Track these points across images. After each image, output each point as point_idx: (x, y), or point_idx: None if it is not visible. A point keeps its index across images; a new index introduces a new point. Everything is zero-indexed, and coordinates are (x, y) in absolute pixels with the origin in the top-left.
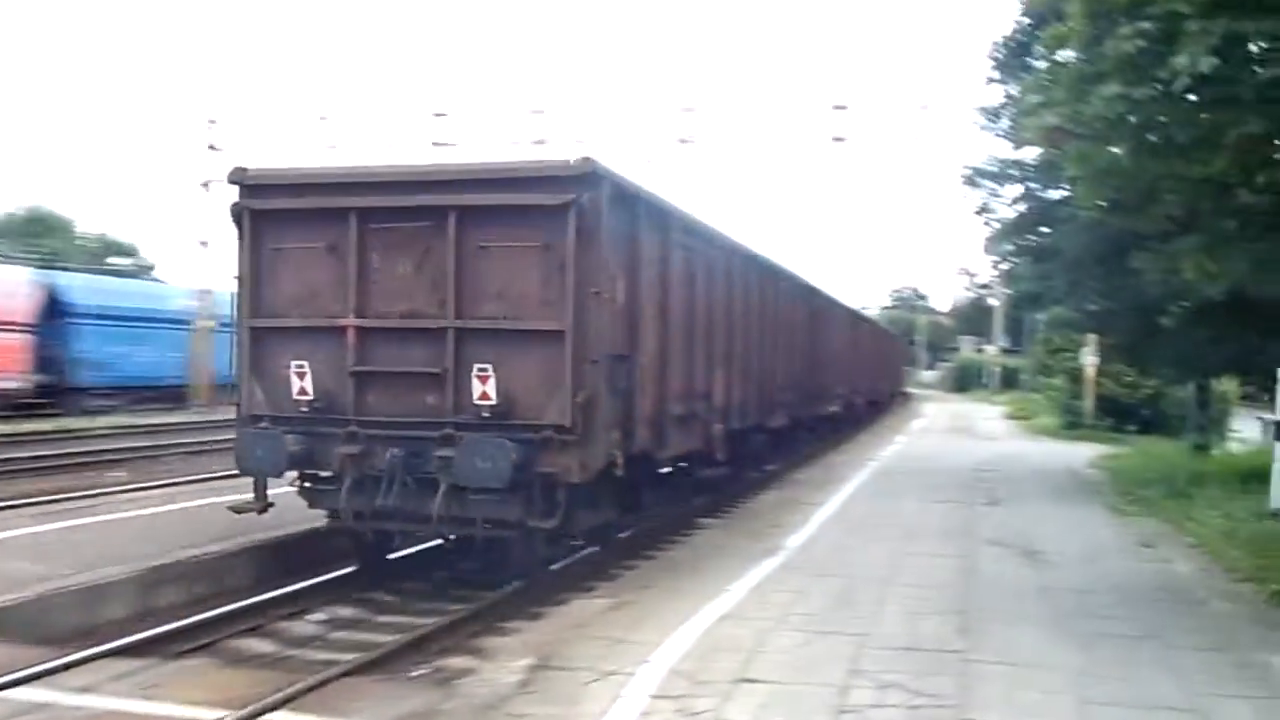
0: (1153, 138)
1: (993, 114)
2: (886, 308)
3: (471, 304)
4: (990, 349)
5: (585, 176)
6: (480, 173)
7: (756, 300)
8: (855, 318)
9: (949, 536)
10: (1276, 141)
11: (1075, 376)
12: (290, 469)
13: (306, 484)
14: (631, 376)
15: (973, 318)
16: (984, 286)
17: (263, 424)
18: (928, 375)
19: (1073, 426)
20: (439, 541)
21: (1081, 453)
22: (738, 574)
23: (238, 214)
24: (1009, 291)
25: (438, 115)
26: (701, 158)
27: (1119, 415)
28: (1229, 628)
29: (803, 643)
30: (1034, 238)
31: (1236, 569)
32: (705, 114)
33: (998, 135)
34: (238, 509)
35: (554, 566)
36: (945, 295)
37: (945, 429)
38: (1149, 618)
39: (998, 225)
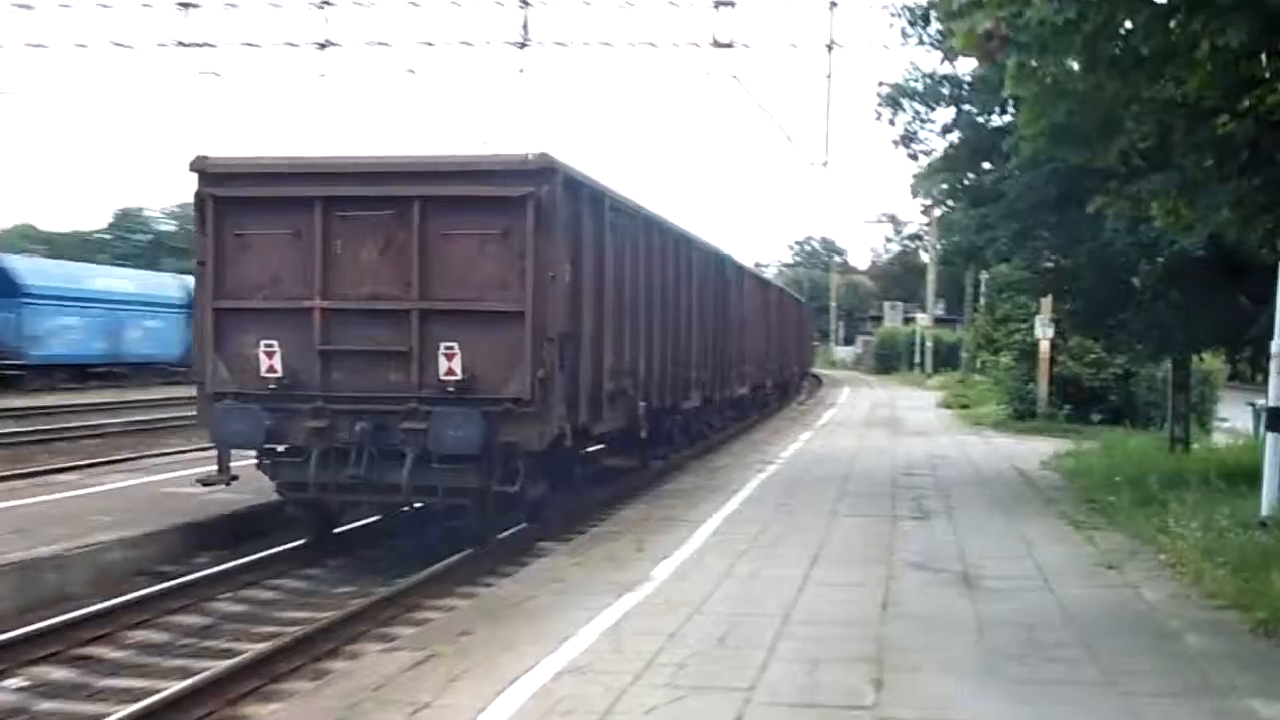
0: (1112, 49)
1: (919, 14)
2: (788, 265)
3: (435, 287)
4: (922, 318)
5: (542, 171)
6: (443, 165)
7: (671, 274)
8: (762, 284)
9: (864, 559)
10: (1261, 56)
11: (1027, 353)
12: (265, 443)
13: (269, 459)
14: (576, 354)
15: (900, 278)
16: (913, 238)
17: (227, 401)
18: (842, 352)
19: (1023, 416)
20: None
21: (1034, 449)
22: (589, 613)
23: (200, 201)
24: (942, 244)
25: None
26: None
27: (1081, 402)
28: (1205, 668)
29: (671, 700)
30: (972, 175)
31: (1217, 594)
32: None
33: (924, 44)
34: (206, 481)
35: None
36: (864, 249)
37: (863, 421)
38: (1110, 659)
39: (926, 159)
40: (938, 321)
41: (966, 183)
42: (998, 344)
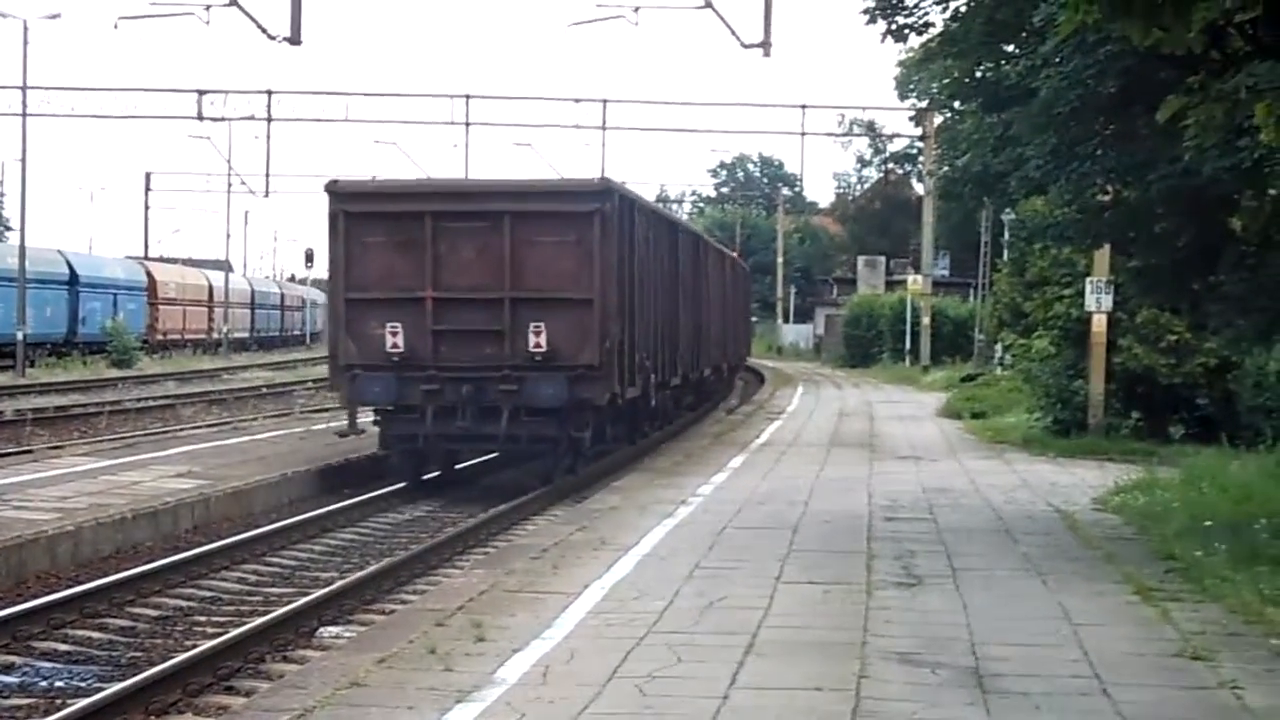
0: None
1: None
2: (708, 200)
3: (523, 280)
4: (915, 281)
5: (604, 191)
6: (527, 187)
7: (668, 262)
8: (697, 242)
9: (823, 650)
10: None
11: (1073, 334)
12: (392, 402)
13: (387, 416)
14: (621, 333)
15: (881, 221)
16: (900, 160)
17: (357, 370)
18: (794, 333)
19: (1068, 430)
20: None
21: (1083, 481)
22: None
23: (333, 215)
24: (944, 170)
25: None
26: None
27: (1154, 408)
28: None
29: None
30: (989, 64)
31: None
32: None
33: None
34: (342, 433)
35: None
36: (825, 177)
37: (824, 439)
38: None
39: (919, 39)
40: (939, 286)
41: (980, 74)
42: (1030, 320)
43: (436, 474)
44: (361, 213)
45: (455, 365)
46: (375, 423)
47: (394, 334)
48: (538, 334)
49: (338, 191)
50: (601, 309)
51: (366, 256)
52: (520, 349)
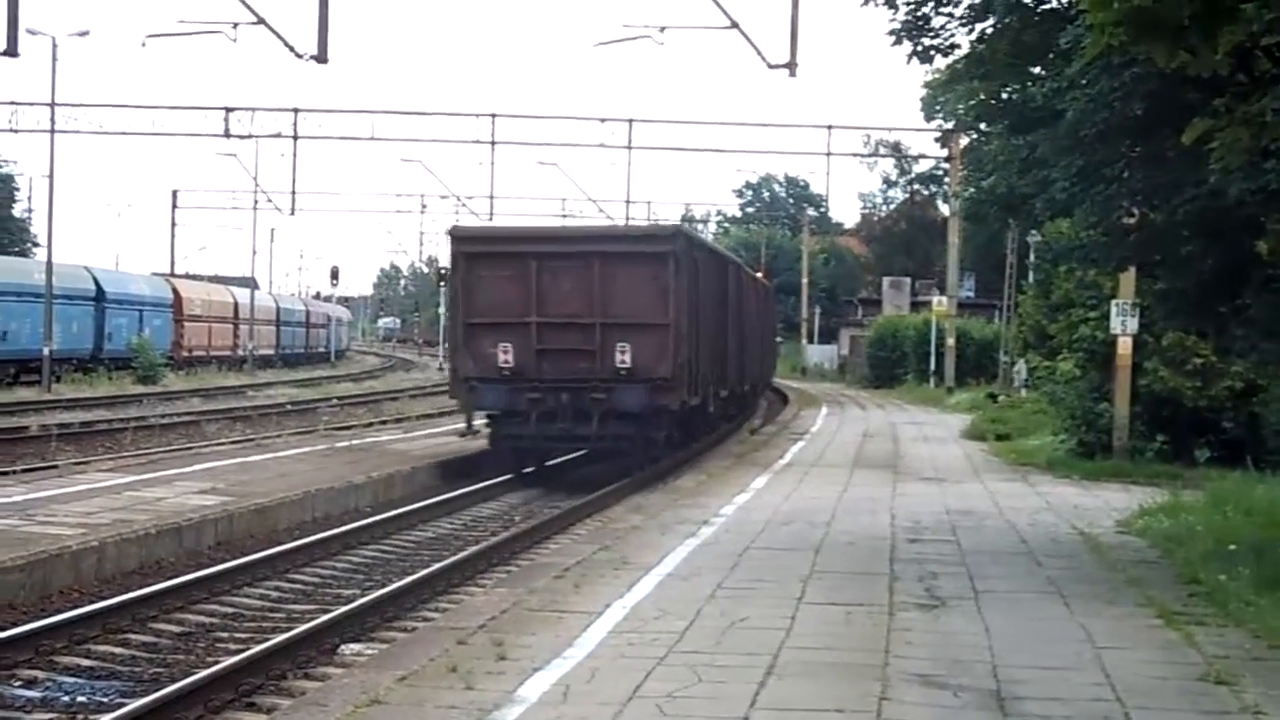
0: None
1: None
2: (733, 220)
3: (610, 309)
4: (940, 302)
5: (675, 234)
6: (612, 231)
7: (717, 288)
8: (739, 271)
9: (844, 672)
10: None
11: (1098, 357)
12: (503, 409)
13: (498, 420)
14: (690, 351)
15: (906, 242)
16: (925, 181)
17: (473, 382)
18: (819, 353)
19: (1092, 453)
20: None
21: (1108, 503)
22: None
23: (454, 256)
24: (970, 191)
25: None
26: None
27: (1179, 431)
28: None
29: None
30: (1014, 85)
31: None
32: None
33: None
34: (463, 434)
35: None
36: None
37: (847, 459)
38: None
39: (945, 61)
40: (964, 308)
41: (1006, 96)
42: (1055, 342)
43: (531, 469)
44: (478, 253)
45: (555, 377)
46: (487, 424)
47: (505, 352)
48: (623, 352)
49: (459, 235)
50: (675, 332)
51: (482, 289)
52: (608, 364)
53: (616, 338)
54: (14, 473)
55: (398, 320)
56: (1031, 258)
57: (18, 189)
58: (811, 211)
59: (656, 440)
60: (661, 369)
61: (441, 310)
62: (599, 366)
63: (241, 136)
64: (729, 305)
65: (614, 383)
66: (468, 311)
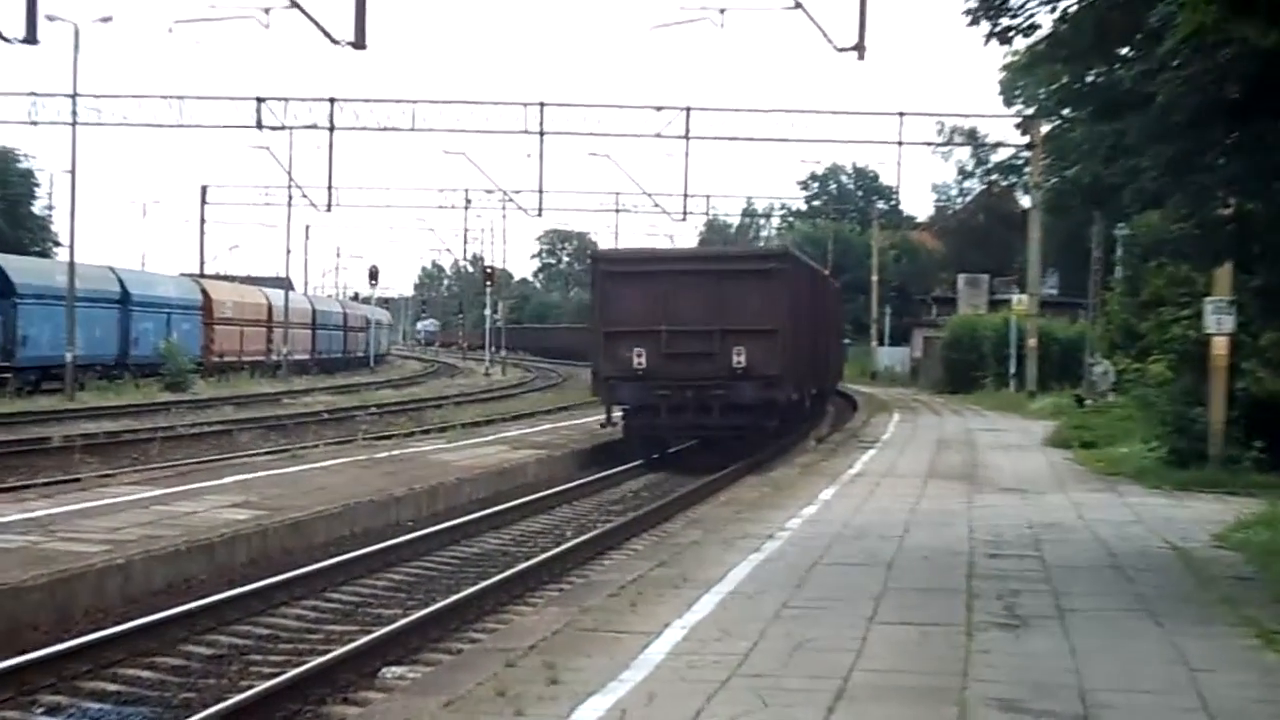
0: None
1: None
2: (798, 214)
3: (729, 318)
4: (1021, 301)
5: (783, 254)
6: (731, 252)
7: (808, 297)
8: (826, 281)
9: (919, 696)
10: None
11: (1191, 358)
12: (637, 403)
13: (633, 413)
14: (793, 353)
15: (983, 237)
16: (1005, 171)
17: (612, 381)
18: (889, 356)
19: (1186, 461)
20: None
21: (1202, 516)
22: None
23: (595, 274)
24: (1052, 182)
25: None
26: None
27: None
28: None
29: None
30: (1100, 68)
31: None
32: None
33: None
34: (603, 425)
35: None
36: (923, 189)
37: (921, 470)
38: None
39: (1025, 41)
40: (1047, 307)
41: (1091, 79)
42: (1144, 343)
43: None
44: (616, 272)
45: (681, 376)
46: (623, 416)
47: (639, 355)
48: (739, 354)
49: (600, 258)
50: (782, 337)
51: (619, 302)
52: (726, 365)
53: (733, 342)
54: (35, 486)
55: (436, 322)
56: (1119, 252)
57: (38, 185)
58: (881, 204)
59: (767, 429)
60: (772, 368)
61: (487, 312)
62: (718, 367)
63: (275, 128)
64: (815, 313)
65: (731, 380)
66: (606, 321)
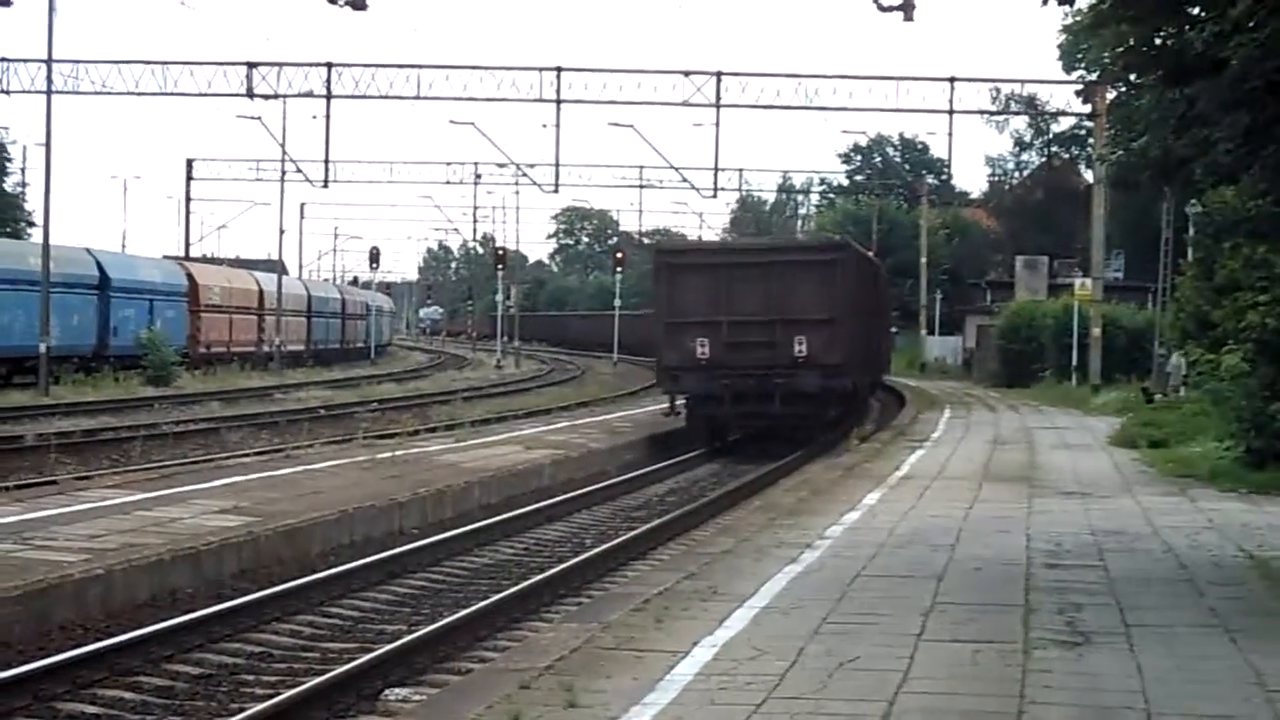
0: None
1: None
2: (839, 190)
3: (788, 308)
4: (1083, 285)
5: (841, 245)
6: (790, 244)
7: (867, 288)
8: (877, 270)
9: (976, 719)
10: None
11: (1270, 348)
12: (701, 392)
13: (696, 402)
14: (852, 342)
15: (1042, 215)
16: (1065, 143)
17: (675, 371)
18: (940, 347)
19: (1263, 462)
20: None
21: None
22: None
23: (658, 266)
24: (1118, 154)
25: None
26: None
27: None
28: None
29: None
30: (1169, 30)
31: None
32: None
33: None
34: (666, 414)
35: None
36: (976, 163)
37: (974, 471)
38: None
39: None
40: (1111, 292)
41: (1160, 42)
42: (1218, 332)
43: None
44: (678, 264)
45: (744, 365)
46: (686, 405)
47: (702, 346)
48: (799, 344)
49: (662, 250)
50: (842, 326)
51: (682, 294)
52: (787, 354)
53: (794, 332)
54: (7, 489)
55: (441, 309)
56: (1190, 232)
57: (9, 160)
58: (931, 179)
59: (827, 416)
60: (832, 357)
61: (499, 298)
62: (779, 356)
63: (267, 96)
64: (870, 301)
65: (793, 369)
66: (670, 313)
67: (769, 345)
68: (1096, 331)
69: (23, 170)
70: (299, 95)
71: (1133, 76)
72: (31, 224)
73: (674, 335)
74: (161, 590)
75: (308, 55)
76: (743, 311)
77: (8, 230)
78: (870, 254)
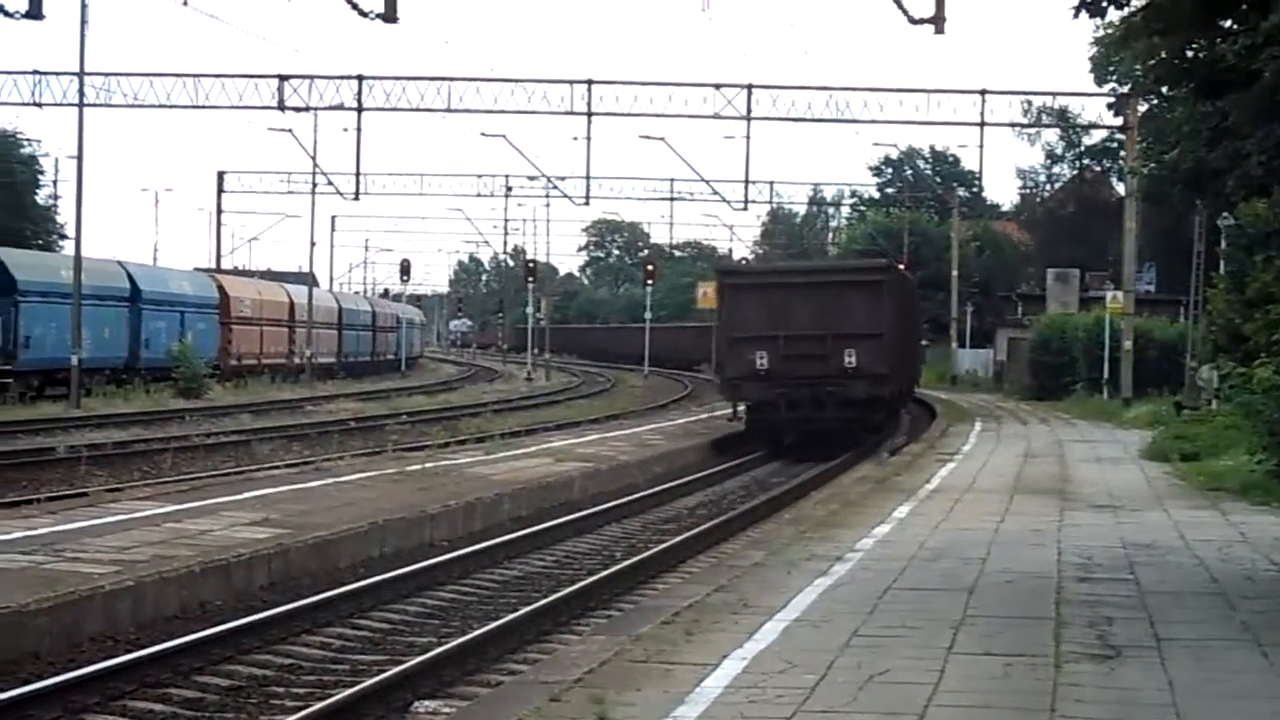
0: None
1: None
2: (870, 203)
3: (839, 324)
4: (1115, 298)
5: (886, 267)
6: (841, 265)
7: (902, 305)
8: (913, 287)
9: None
10: None
11: None
12: (760, 400)
13: (755, 408)
14: (894, 354)
15: (1074, 228)
16: (1097, 155)
17: (736, 380)
18: (971, 359)
19: None
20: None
21: None
22: None
23: (721, 286)
24: (1150, 167)
25: None
26: None
27: None
28: None
29: None
30: (1201, 42)
31: None
32: None
33: None
34: (729, 419)
35: None
36: (1008, 175)
37: (1005, 484)
38: None
39: (1118, 13)
40: (1143, 304)
41: (1192, 54)
42: (1251, 345)
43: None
44: (739, 284)
45: (799, 376)
46: (747, 410)
47: (761, 358)
48: (849, 356)
49: (725, 271)
50: (887, 340)
51: (743, 311)
52: (838, 365)
53: (844, 345)
54: (39, 501)
55: (469, 321)
56: (1223, 244)
57: (42, 172)
58: (962, 191)
59: (875, 420)
60: (879, 368)
61: (529, 310)
62: (831, 367)
63: (298, 109)
64: (907, 316)
65: (843, 379)
66: (731, 328)
67: (822, 357)
68: (1128, 344)
69: (55, 183)
70: (330, 108)
71: (1165, 89)
72: (63, 236)
73: (736, 349)
74: (191, 602)
75: (339, 68)
76: (798, 327)
77: (40, 243)
78: (902, 268)
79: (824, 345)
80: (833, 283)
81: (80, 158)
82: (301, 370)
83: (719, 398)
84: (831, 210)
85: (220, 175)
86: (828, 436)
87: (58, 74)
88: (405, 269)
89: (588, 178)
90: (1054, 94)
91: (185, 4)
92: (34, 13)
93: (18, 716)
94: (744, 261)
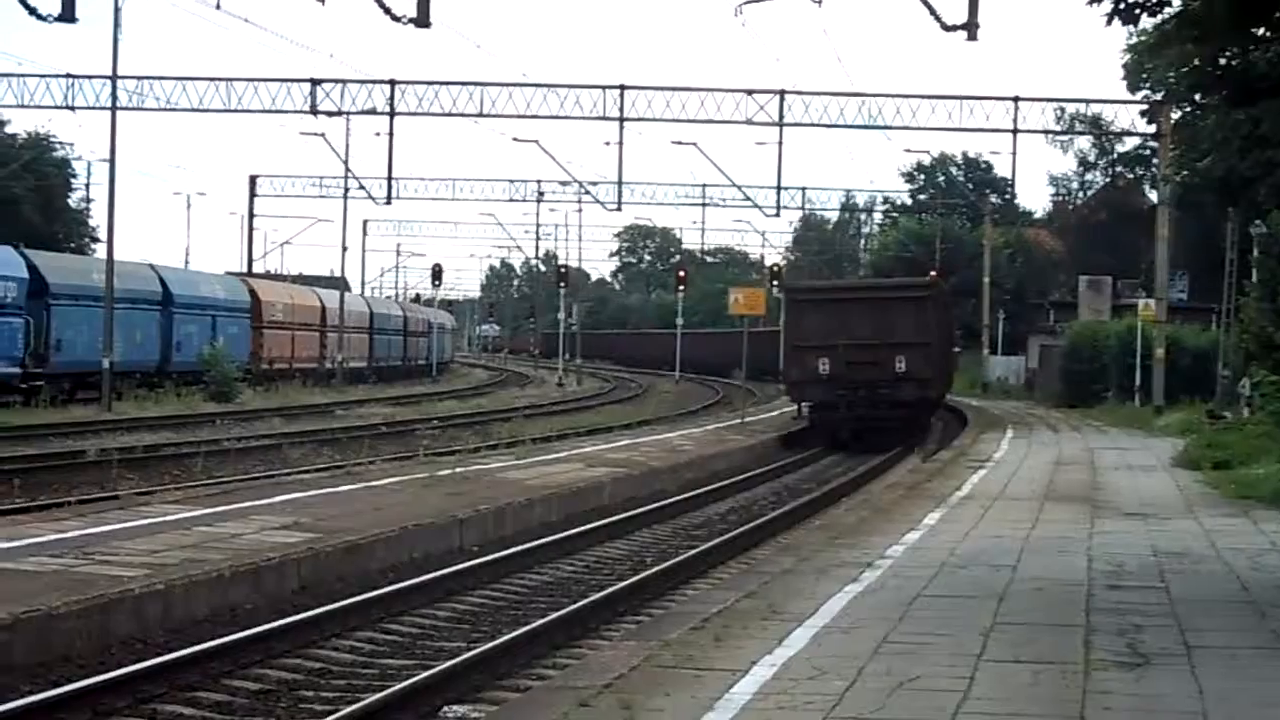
0: None
1: None
2: (902, 209)
3: (891, 333)
4: (1148, 306)
5: (931, 284)
6: (891, 283)
7: (944, 314)
8: (950, 298)
9: None
10: None
11: None
12: (823, 400)
13: (817, 408)
14: (939, 360)
15: (1107, 235)
16: (1130, 163)
17: (801, 384)
18: (1002, 366)
19: None
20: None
21: None
22: None
23: (788, 301)
24: (1183, 174)
25: None
26: None
27: None
28: None
29: None
30: (1234, 50)
31: None
32: None
33: None
34: (795, 417)
35: None
36: (1040, 182)
37: (1037, 491)
38: None
39: (1152, 20)
40: (1176, 312)
41: (1225, 62)
42: None
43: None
44: (803, 299)
45: (856, 379)
46: (810, 410)
47: (824, 364)
48: (900, 362)
49: (791, 288)
50: (933, 348)
51: (806, 322)
52: (890, 370)
53: (895, 353)
54: (70, 504)
55: (497, 326)
56: (1255, 252)
57: (74, 175)
58: (994, 199)
59: (922, 419)
60: (925, 373)
61: (561, 316)
62: (884, 372)
63: (330, 113)
64: (946, 328)
65: (894, 382)
66: (796, 338)
67: (876, 364)
68: (1160, 352)
69: (87, 186)
70: (362, 112)
71: (1197, 96)
72: (95, 240)
73: (800, 356)
74: (222, 605)
75: (371, 72)
76: (855, 336)
77: (72, 246)
78: (935, 274)
79: (878, 353)
80: (885, 298)
81: (113, 161)
82: (333, 374)
83: (751, 403)
84: (864, 216)
85: (252, 179)
86: (880, 433)
87: (91, 77)
88: (437, 274)
89: (620, 183)
90: (1087, 101)
91: (218, 7)
92: (67, 16)
93: (47, 719)
94: (775, 268)
